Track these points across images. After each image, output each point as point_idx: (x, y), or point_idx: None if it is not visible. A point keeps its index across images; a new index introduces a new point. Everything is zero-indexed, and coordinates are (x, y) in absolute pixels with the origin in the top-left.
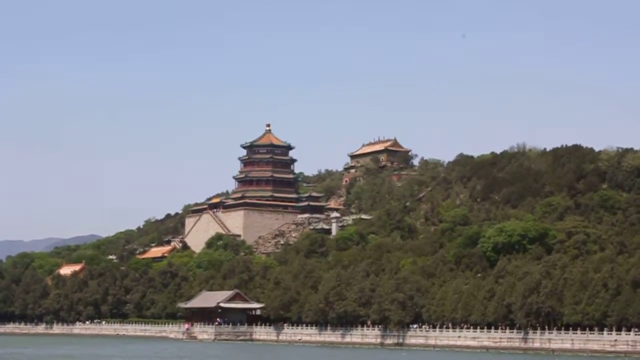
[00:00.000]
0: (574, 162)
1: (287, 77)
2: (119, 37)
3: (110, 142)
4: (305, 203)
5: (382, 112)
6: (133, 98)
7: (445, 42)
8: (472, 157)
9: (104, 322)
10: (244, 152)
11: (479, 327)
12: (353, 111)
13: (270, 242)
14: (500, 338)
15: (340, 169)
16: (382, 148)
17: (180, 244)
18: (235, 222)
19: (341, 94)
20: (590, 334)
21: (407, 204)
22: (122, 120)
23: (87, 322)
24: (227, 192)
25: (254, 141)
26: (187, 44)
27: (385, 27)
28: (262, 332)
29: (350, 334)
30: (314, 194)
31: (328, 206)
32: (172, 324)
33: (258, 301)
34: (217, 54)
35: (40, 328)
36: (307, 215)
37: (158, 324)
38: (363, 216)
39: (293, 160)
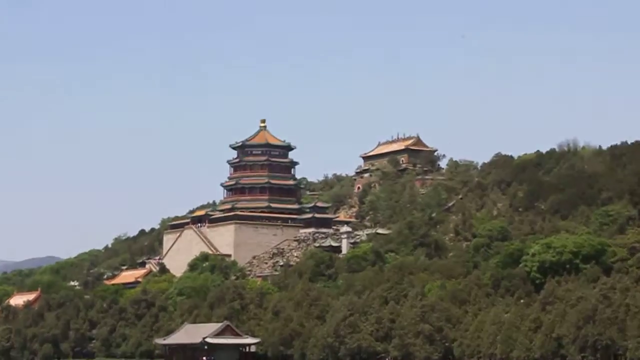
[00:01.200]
0: (635, 162)
1: (284, 64)
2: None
3: (70, 140)
4: (310, 215)
5: (401, 104)
6: (94, 86)
7: (479, 24)
8: (512, 157)
9: None
10: (234, 153)
11: None
12: (366, 103)
13: (267, 263)
14: None
15: (352, 173)
16: (402, 147)
17: (158, 267)
18: (224, 239)
19: (351, 83)
20: None
21: (434, 215)
22: (84, 112)
23: None
24: (214, 202)
25: (246, 140)
26: (171, 28)
27: (397, 12)
28: None
29: None
30: (320, 204)
31: (337, 219)
32: None
33: (253, 335)
34: (200, 37)
35: None
36: (311, 229)
37: None
38: (380, 230)
39: (294, 163)
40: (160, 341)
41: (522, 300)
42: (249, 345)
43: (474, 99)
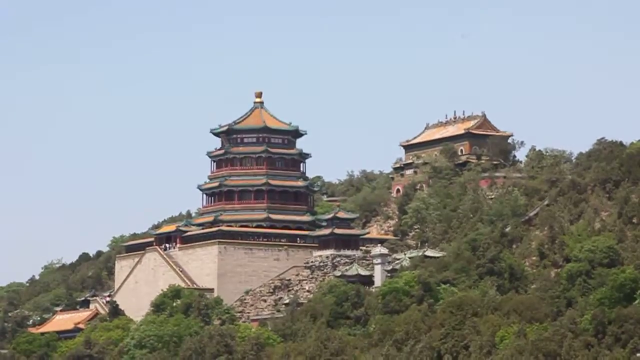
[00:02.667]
0: None
1: (289, 14)
2: None
3: None
4: (327, 231)
5: (458, 68)
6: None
7: None
8: (621, 144)
9: None
10: (216, 142)
11: None
12: (407, 67)
13: (265, 301)
14: None
15: (388, 169)
16: (462, 131)
17: (107, 307)
18: (203, 265)
19: (384, 38)
20: None
21: (508, 229)
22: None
23: None
24: (189, 213)
25: (235, 123)
26: None
27: None
28: None
29: None
30: (342, 215)
31: (367, 236)
32: None
33: None
34: None
35: None
36: (330, 252)
37: None
38: (429, 252)
39: (304, 156)
40: None
41: (639, 354)
42: None
43: (565, 61)
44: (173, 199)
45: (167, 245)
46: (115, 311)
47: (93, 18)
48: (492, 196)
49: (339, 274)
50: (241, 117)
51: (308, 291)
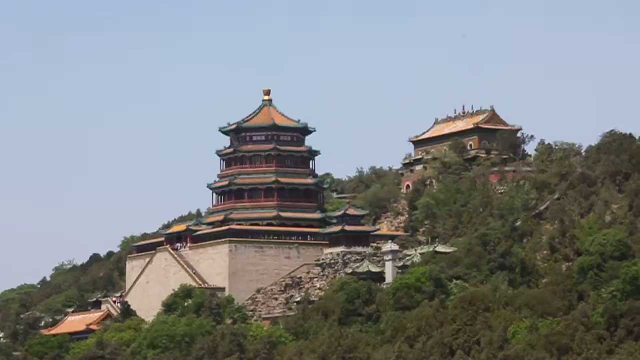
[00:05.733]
0: None
1: (297, 12)
2: None
3: None
4: (338, 228)
5: (467, 64)
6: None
7: None
8: (631, 137)
9: None
10: (226, 141)
11: None
12: (415, 63)
13: (277, 299)
14: None
15: (398, 166)
16: (471, 126)
17: (119, 308)
18: (214, 265)
19: (392, 36)
20: None
21: (518, 223)
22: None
23: None
24: (199, 213)
25: (244, 121)
26: None
27: None
28: None
29: None
30: (353, 212)
31: (378, 232)
32: None
33: None
34: None
35: None
36: (341, 249)
37: None
38: (440, 248)
39: (313, 154)
40: None
41: None
42: None
43: (574, 54)
44: (183, 198)
45: (178, 245)
46: (127, 312)
47: (107, 20)
48: (502, 191)
49: (350, 271)
50: (250, 115)
51: (319, 289)
